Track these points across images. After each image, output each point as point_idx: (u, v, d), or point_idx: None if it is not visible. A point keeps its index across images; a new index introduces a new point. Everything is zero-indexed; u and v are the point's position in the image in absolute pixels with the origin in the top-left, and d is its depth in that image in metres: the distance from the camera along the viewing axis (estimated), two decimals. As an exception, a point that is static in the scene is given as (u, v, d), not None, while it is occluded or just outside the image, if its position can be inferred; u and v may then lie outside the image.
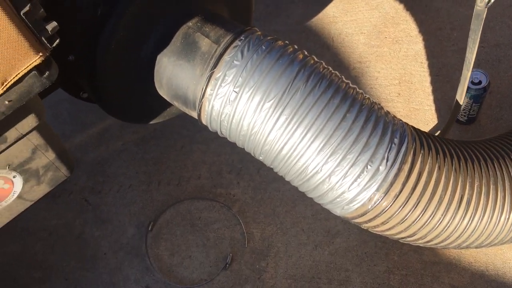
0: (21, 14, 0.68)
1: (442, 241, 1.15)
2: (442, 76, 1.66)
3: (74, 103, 1.67)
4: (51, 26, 0.72)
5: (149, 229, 1.54)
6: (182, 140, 1.70)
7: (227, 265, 1.45)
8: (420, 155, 1.07)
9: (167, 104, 1.28)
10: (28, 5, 0.68)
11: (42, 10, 0.70)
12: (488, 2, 0.91)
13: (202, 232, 1.52)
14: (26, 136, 0.90)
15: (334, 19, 1.86)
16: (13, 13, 0.68)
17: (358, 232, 1.45)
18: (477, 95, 1.42)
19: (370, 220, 1.11)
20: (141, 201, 1.60)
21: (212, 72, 1.07)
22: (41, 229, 1.58)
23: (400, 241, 1.18)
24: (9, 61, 0.71)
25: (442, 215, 1.09)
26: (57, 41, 0.75)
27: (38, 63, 0.74)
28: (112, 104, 1.22)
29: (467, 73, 1.11)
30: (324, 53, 1.79)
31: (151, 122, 1.35)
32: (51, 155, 0.99)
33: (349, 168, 1.04)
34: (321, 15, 1.89)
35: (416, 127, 1.57)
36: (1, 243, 1.56)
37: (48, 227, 1.58)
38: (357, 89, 1.11)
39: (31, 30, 0.71)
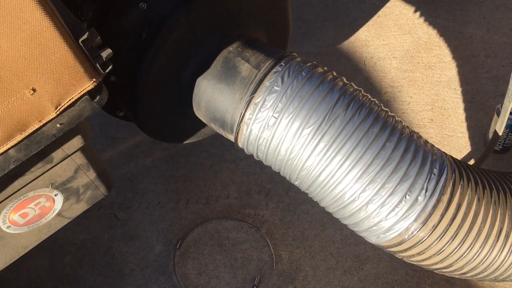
0: (80, 41, 0.70)
1: (478, 274, 1.13)
2: (476, 103, 1.65)
3: (105, 118, 1.69)
4: (106, 53, 0.74)
5: (177, 247, 1.54)
6: (211, 158, 1.71)
7: (255, 287, 1.44)
8: (460, 186, 1.06)
9: (202, 125, 1.29)
10: (86, 34, 0.70)
11: (99, 38, 0.72)
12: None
13: (230, 252, 1.52)
14: (70, 156, 0.92)
15: (366, 43, 1.87)
16: (72, 40, 0.69)
17: (388, 259, 1.43)
18: (514, 124, 1.40)
19: (406, 250, 1.10)
20: (169, 219, 1.60)
21: (252, 97, 1.08)
22: (70, 243, 1.59)
23: (435, 271, 1.16)
24: (65, 86, 0.72)
25: (480, 247, 1.07)
26: (110, 67, 0.76)
27: (91, 88, 0.75)
28: (149, 124, 1.23)
29: (508, 105, 1.10)
30: (355, 76, 1.79)
31: (185, 142, 1.36)
32: (92, 174, 1.01)
33: (388, 197, 1.03)
34: (352, 38, 1.89)
35: (449, 154, 1.56)
36: (31, 256, 1.57)
37: (77, 241, 1.60)
38: (396, 118, 1.11)
39: (87, 56, 0.72)
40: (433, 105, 1.67)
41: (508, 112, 1.13)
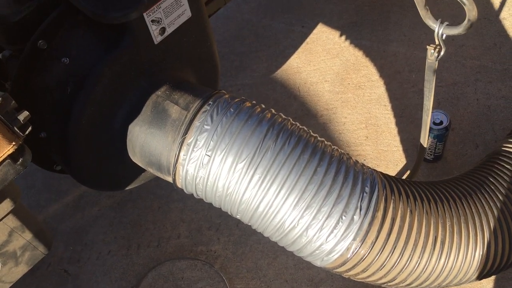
0: (-7, 107, 0.70)
1: (422, 283, 1.18)
2: (406, 117, 1.73)
3: (47, 172, 1.66)
4: (23, 116, 0.74)
5: (132, 294, 1.52)
6: (158, 200, 1.71)
7: (214, 325, 1.43)
8: (392, 201, 1.11)
9: (142, 170, 1.29)
10: (0, 99, 0.70)
11: (14, 102, 0.72)
12: (438, 56, 0.98)
13: (186, 292, 1.51)
14: (2, 220, 0.90)
15: (298, 70, 1.93)
16: (-15, 107, 0.70)
17: (341, 279, 1.46)
18: (440, 134, 1.48)
19: (350, 269, 1.13)
20: (121, 267, 1.58)
21: (184, 138, 1.10)
22: (19, 305, 1.54)
23: (383, 286, 1.20)
24: (-17, 153, 0.72)
25: (419, 257, 1.12)
26: (29, 129, 0.76)
27: (11, 151, 0.75)
28: (86, 176, 1.23)
29: (426, 119, 1.17)
30: (291, 103, 1.85)
31: (127, 188, 1.35)
32: (28, 235, 0.99)
33: (325, 220, 1.06)
34: (285, 66, 1.95)
35: (386, 168, 1.62)
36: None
37: (27, 302, 1.55)
38: (325, 142, 1.16)
39: (3, 121, 0.72)
40: (366, 123, 1.74)
41: (428, 126, 1.20)
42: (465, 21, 0.88)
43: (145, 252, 1.60)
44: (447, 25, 0.93)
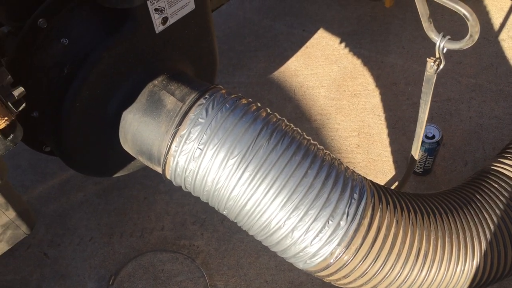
0: (-12, 80, 0.69)
1: (402, 293, 1.18)
2: (398, 129, 1.74)
3: (34, 153, 1.65)
4: (18, 91, 0.73)
5: (110, 283, 1.51)
6: (145, 190, 1.70)
7: (190, 320, 1.43)
8: (379, 209, 1.11)
9: (131, 158, 1.28)
10: (-4, 73, 0.69)
11: (10, 77, 0.71)
12: (437, 69, 0.98)
13: (165, 285, 1.50)
14: (-14, 196, 0.89)
15: (295, 72, 1.93)
16: (-20, 79, 0.69)
17: (321, 284, 1.46)
18: (431, 148, 1.49)
19: (332, 274, 1.13)
20: (102, 254, 1.57)
21: (177, 129, 1.10)
22: (-5, 285, 1.52)
23: (362, 293, 1.20)
24: (-26, 126, 0.71)
25: (401, 268, 1.12)
26: (23, 105, 0.75)
27: (3, 127, 0.74)
28: (75, 159, 1.21)
29: (420, 131, 1.17)
30: (286, 105, 1.85)
31: (115, 175, 1.34)
32: (11, 214, 0.98)
33: (311, 223, 1.06)
34: (283, 68, 1.96)
35: (375, 177, 1.63)
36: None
37: (3, 282, 1.53)
38: (318, 146, 1.16)
39: (-2, 95, 0.72)
40: (359, 131, 1.75)
41: (421, 138, 1.21)
42: (467, 36, 0.88)
43: (127, 241, 1.59)
44: (448, 39, 0.94)
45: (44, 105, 1.10)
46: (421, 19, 0.95)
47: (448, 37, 0.94)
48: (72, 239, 1.61)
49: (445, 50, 0.95)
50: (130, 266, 1.54)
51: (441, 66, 0.98)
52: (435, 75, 1.00)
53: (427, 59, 0.98)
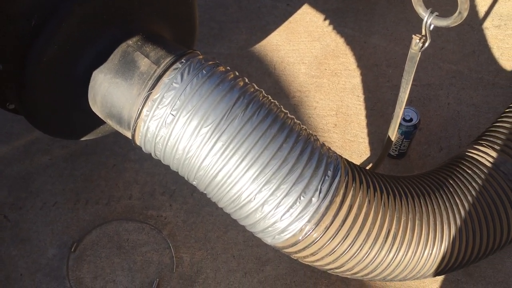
0: None
1: (368, 273, 1.17)
2: (377, 111, 1.72)
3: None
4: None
5: (72, 250, 1.46)
6: (114, 157, 1.64)
7: (153, 291, 1.40)
8: (352, 188, 1.09)
9: (101, 121, 1.23)
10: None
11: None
12: (422, 47, 0.96)
13: (129, 255, 1.46)
14: None
15: (277, 47, 1.89)
16: None
17: (288, 261, 1.44)
18: (408, 131, 1.48)
19: (300, 251, 1.11)
20: (65, 220, 1.52)
21: (150, 93, 1.05)
22: (-49, 245, 1.46)
23: (329, 272, 1.19)
24: None
25: (369, 248, 1.11)
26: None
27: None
28: (40, 119, 1.16)
29: (399, 111, 1.15)
30: (265, 80, 1.81)
31: (82, 139, 1.29)
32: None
33: (283, 198, 1.04)
34: (264, 42, 1.91)
35: (350, 158, 1.61)
36: None
37: (-40, 244, 1.47)
38: (295, 120, 1.13)
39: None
40: (337, 110, 1.72)
41: (400, 118, 1.19)
42: (456, 13, 0.86)
43: (92, 208, 1.54)
44: (436, 15, 0.91)
45: (9, 57, 1.04)
46: (410, -7, 0.92)
47: (436, 13, 0.91)
48: (34, 203, 1.55)
49: (432, 27, 0.92)
50: (94, 234, 1.49)
51: (426, 44, 0.96)
52: (419, 53, 0.97)
53: (413, 35, 0.95)
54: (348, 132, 1.68)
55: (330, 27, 1.94)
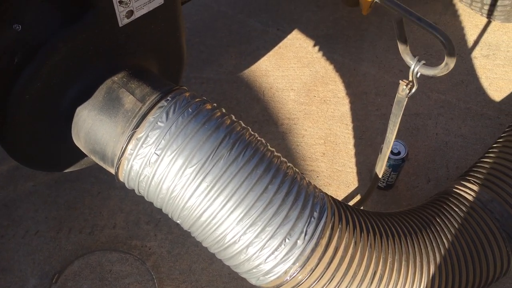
0: None
1: (354, 314, 1.16)
2: (365, 139, 1.71)
3: (-17, 137, 1.55)
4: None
5: (53, 281, 1.43)
6: (99, 184, 1.62)
7: (136, 325, 1.37)
8: (338, 229, 1.08)
9: (84, 155, 1.21)
10: None
11: None
12: (409, 93, 0.95)
13: (112, 287, 1.43)
14: None
15: (266, 73, 1.88)
16: None
17: (274, 294, 1.42)
18: (396, 164, 1.47)
19: (285, 292, 1.09)
20: (47, 250, 1.49)
21: (134, 132, 1.03)
22: None
23: (314, 312, 1.17)
24: None
25: (355, 290, 1.09)
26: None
27: None
28: (22, 153, 1.13)
29: (386, 150, 1.15)
30: (254, 106, 1.79)
31: (66, 171, 1.27)
32: None
33: (267, 241, 1.02)
34: (254, 67, 1.90)
35: (337, 188, 1.60)
36: None
37: None
38: (281, 158, 1.11)
39: None
40: (326, 139, 1.71)
41: (386, 157, 1.18)
42: (443, 64, 0.85)
43: (75, 237, 1.51)
44: (423, 64, 0.90)
45: (-9, 93, 1.02)
46: (398, 41, 0.91)
47: (423, 61, 0.90)
48: (16, 231, 1.52)
49: (418, 74, 0.91)
50: (76, 265, 1.47)
51: (413, 90, 0.95)
52: (406, 98, 0.97)
53: (400, 81, 0.95)
54: (336, 162, 1.67)
55: (320, 53, 1.93)
